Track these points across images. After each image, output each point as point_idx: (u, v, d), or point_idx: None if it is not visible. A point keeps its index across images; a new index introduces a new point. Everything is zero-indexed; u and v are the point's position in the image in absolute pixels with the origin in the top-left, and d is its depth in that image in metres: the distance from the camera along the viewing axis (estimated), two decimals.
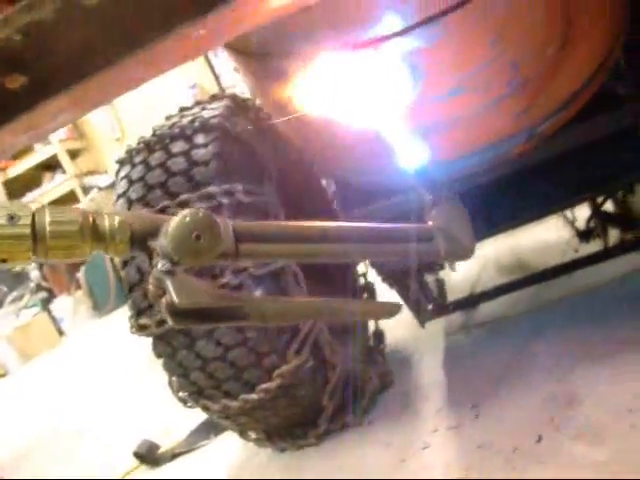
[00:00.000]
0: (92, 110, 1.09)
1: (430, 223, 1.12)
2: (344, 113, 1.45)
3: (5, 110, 0.94)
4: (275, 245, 0.87)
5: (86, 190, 8.06)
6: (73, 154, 8.42)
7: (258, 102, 2.06)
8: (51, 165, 8.36)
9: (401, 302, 2.13)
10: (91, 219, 0.76)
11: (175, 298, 0.76)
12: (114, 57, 0.91)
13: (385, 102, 1.41)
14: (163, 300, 0.78)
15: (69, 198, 8.05)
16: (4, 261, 0.73)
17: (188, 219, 0.77)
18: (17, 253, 0.72)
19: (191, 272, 0.81)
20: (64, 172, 8.32)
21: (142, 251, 0.80)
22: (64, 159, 8.21)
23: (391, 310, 0.96)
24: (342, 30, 1.31)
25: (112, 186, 6.98)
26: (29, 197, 8.16)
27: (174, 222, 0.78)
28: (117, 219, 0.78)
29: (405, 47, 1.29)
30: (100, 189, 7.52)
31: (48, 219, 0.73)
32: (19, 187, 8.19)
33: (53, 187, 8.31)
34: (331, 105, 1.45)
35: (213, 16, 0.87)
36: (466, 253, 1.09)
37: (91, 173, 8.42)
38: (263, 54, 1.47)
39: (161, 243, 0.78)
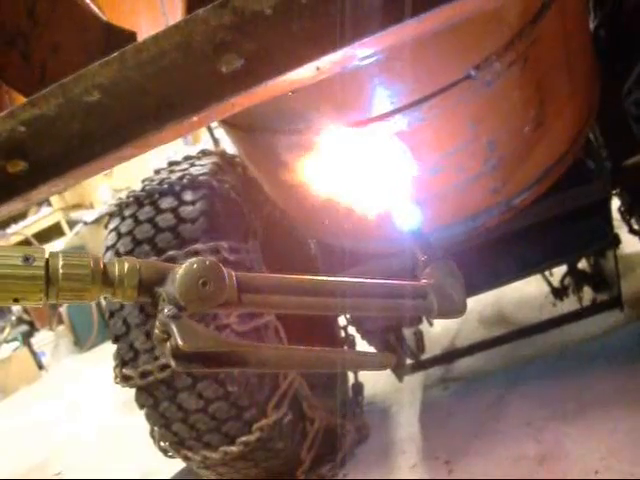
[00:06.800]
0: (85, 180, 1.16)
1: (424, 281, 1.15)
2: (329, 185, 1.52)
3: (5, 191, 0.99)
4: (275, 296, 0.91)
5: (72, 224, 8.04)
6: None
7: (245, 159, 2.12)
8: None
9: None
10: (102, 264, 0.80)
11: (180, 342, 0.79)
12: (110, 145, 0.97)
13: (369, 176, 1.47)
14: (167, 344, 0.81)
15: (54, 231, 8.04)
16: (16, 301, 0.76)
17: (195, 266, 0.82)
18: (30, 294, 0.75)
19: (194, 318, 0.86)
20: (50, 205, 8.32)
21: (149, 297, 0.83)
22: None
23: (384, 361, 1.00)
24: (327, 111, 1.38)
25: (98, 221, 7.02)
26: (13, 228, 8.14)
27: (182, 269, 0.81)
28: (126, 265, 0.81)
29: (389, 128, 1.36)
30: (86, 224, 7.51)
31: (61, 262, 0.77)
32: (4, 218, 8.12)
33: (38, 219, 8.29)
34: (315, 177, 1.52)
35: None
36: (458, 311, 1.11)
37: (77, 207, 8.41)
38: (251, 128, 1.53)
39: (168, 289, 0.82)
